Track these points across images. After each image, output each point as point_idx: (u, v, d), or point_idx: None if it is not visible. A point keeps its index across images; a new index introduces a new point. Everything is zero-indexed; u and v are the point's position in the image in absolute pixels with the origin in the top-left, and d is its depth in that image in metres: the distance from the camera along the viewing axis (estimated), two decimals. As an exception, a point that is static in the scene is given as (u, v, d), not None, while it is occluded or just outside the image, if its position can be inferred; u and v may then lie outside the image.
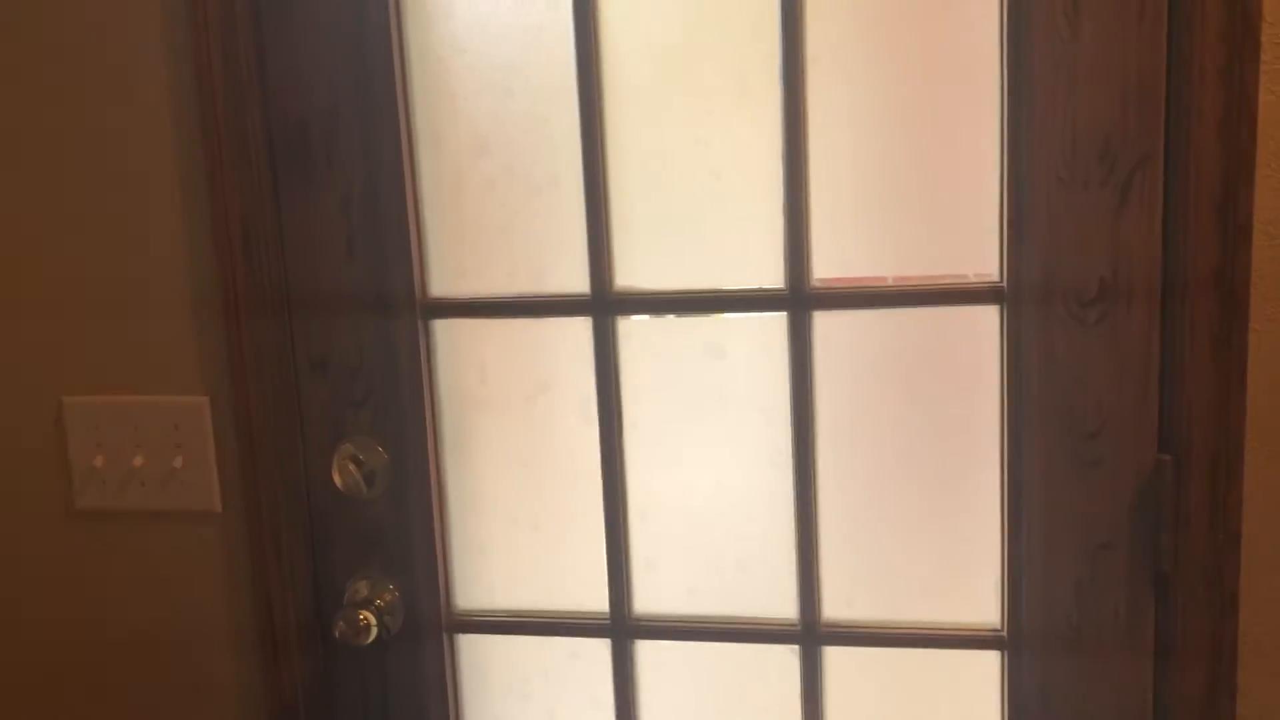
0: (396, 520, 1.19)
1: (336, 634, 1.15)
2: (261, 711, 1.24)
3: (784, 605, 1.15)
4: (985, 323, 1.07)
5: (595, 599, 1.19)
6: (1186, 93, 0.97)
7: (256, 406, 1.17)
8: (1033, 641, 1.08)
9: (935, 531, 1.12)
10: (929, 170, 1.06)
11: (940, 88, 1.05)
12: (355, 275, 1.15)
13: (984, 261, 1.06)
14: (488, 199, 1.15)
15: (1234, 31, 0.95)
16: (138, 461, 1.21)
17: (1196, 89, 0.97)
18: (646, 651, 1.20)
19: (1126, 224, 1.00)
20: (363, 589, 1.19)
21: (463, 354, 1.18)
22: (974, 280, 1.07)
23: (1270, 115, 0.96)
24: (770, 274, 1.10)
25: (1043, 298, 1.03)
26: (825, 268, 1.09)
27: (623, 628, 1.18)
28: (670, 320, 1.13)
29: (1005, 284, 1.04)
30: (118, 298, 1.19)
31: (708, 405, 1.14)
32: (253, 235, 1.15)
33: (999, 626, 1.11)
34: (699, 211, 1.10)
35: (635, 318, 1.13)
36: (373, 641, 1.17)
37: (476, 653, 1.24)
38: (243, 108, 1.13)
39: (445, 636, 1.21)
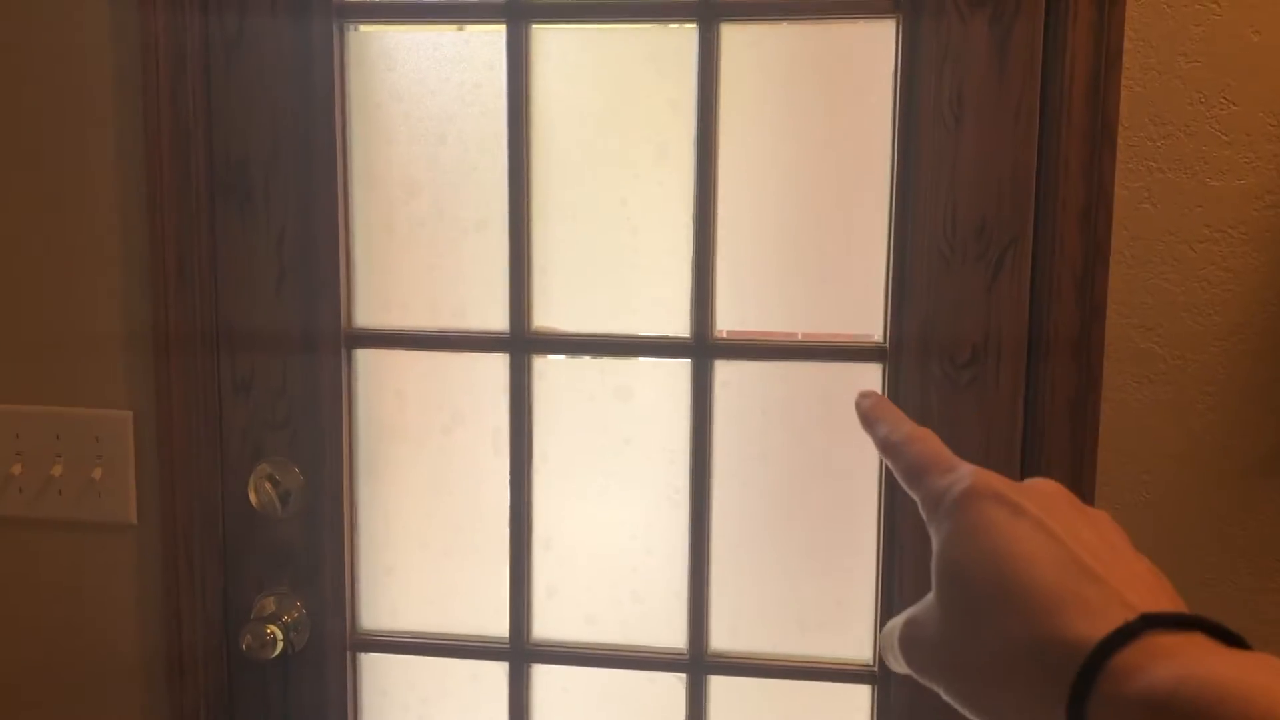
0: (308, 540, 1.24)
1: (243, 646, 1.19)
2: (163, 721, 1.27)
3: (674, 635, 1.23)
4: (869, 378, 1.16)
5: (497, 624, 1.25)
6: (1053, 183, 1.09)
7: (179, 423, 1.22)
8: (901, 677, 1.16)
9: (817, 570, 1.21)
10: (824, 237, 1.17)
11: (838, 165, 1.16)
12: (284, 305, 1.21)
13: (869, 323, 1.16)
14: (417, 238, 1.22)
15: (1095, 132, 1.08)
16: (56, 471, 1.24)
17: (1062, 180, 1.09)
18: (543, 676, 1.26)
19: (998, 296, 1.11)
20: (270, 604, 1.24)
21: (382, 383, 1.24)
22: (860, 339, 1.17)
23: (1125, 207, 1.08)
24: (677, 323, 1.18)
25: (921, 358, 1.13)
26: (728, 320, 1.18)
27: (521, 652, 1.24)
28: (583, 361, 1.21)
29: (888, 344, 1.14)
30: (49, 311, 1.23)
31: (614, 444, 1.22)
32: (187, 263, 1.20)
33: (871, 662, 1.20)
34: (616, 262, 1.19)
35: (550, 357, 1.21)
36: (277, 656, 1.21)
37: (378, 672, 1.28)
38: (186, 144, 1.18)
39: (349, 654, 1.26)
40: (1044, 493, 0.44)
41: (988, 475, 0.45)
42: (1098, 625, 0.37)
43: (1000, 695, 0.40)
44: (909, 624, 0.46)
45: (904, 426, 0.50)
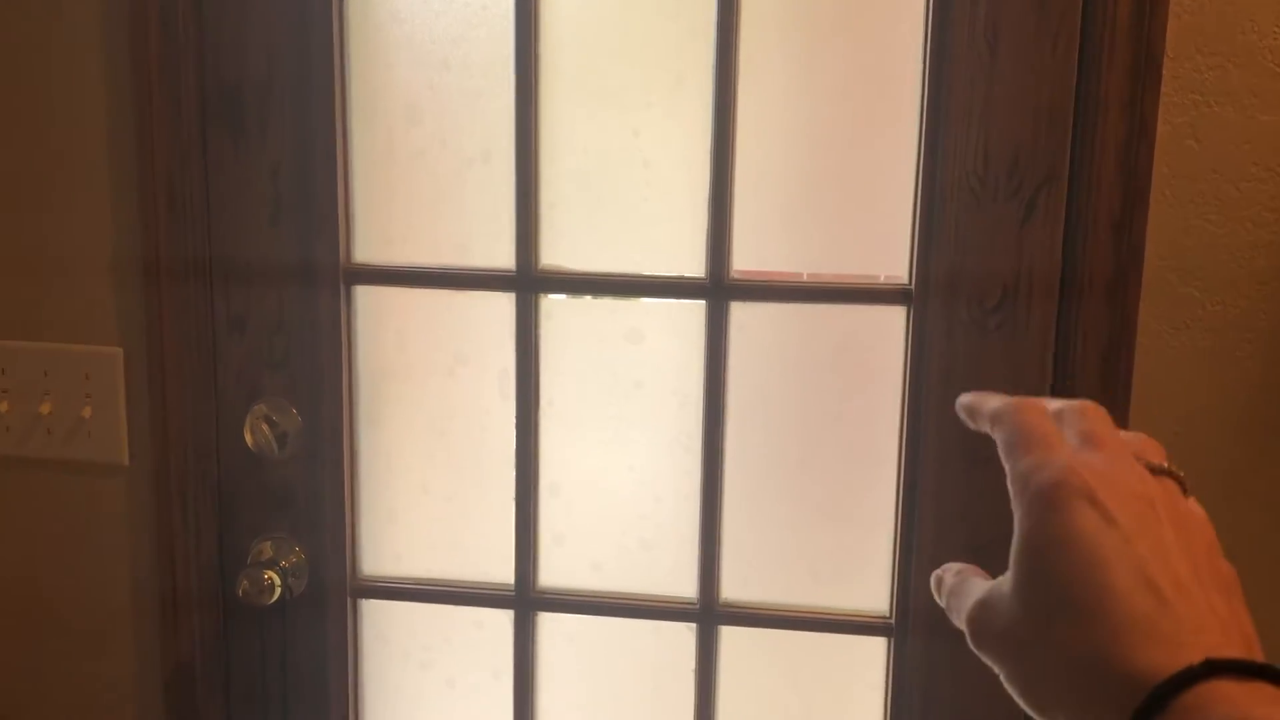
0: (306, 483, 1.19)
1: (240, 593, 1.16)
2: (158, 669, 1.23)
3: (684, 584, 1.19)
4: (892, 322, 1.11)
5: (502, 570, 1.21)
6: (1092, 118, 1.03)
7: (171, 361, 1.17)
8: (919, 630, 1.13)
9: (833, 519, 1.16)
10: (848, 173, 1.11)
11: (864, 96, 1.10)
12: (279, 238, 1.15)
13: (894, 264, 1.11)
14: (418, 169, 1.16)
15: (1138, 64, 1.01)
16: (44, 409, 1.20)
17: (1101, 114, 1.03)
18: (549, 624, 1.22)
19: (1030, 237, 1.06)
20: (268, 549, 1.20)
21: (383, 322, 1.19)
22: (884, 281, 1.11)
23: (1167, 143, 1.03)
24: (692, 263, 1.13)
25: (947, 301, 1.08)
26: (744, 260, 1.13)
27: (527, 600, 1.21)
28: (592, 301, 1.16)
29: (913, 286, 1.09)
30: (35, 243, 1.18)
31: (624, 387, 1.17)
32: (178, 194, 1.14)
33: (888, 614, 1.16)
34: (627, 197, 1.13)
35: (558, 297, 1.16)
36: (275, 602, 1.17)
37: (379, 619, 1.25)
38: (177, 68, 1.12)
39: (349, 601, 1.22)
40: (1137, 494, 0.43)
41: (1083, 467, 0.43)
42: (1164, 663, 0.38)
43: (1059, 701, 0.41)
44: (981, 607, 0.46)
45: (1011, 398, 0.49)
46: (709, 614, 1.19)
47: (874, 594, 1.17)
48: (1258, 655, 0.40)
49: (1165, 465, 0.46)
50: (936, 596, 0.52)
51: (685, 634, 1.20)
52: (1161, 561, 0.41)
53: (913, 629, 1.13)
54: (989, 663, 0.45)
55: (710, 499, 1.16)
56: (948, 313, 1.08)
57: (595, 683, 1.24)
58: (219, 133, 1.14)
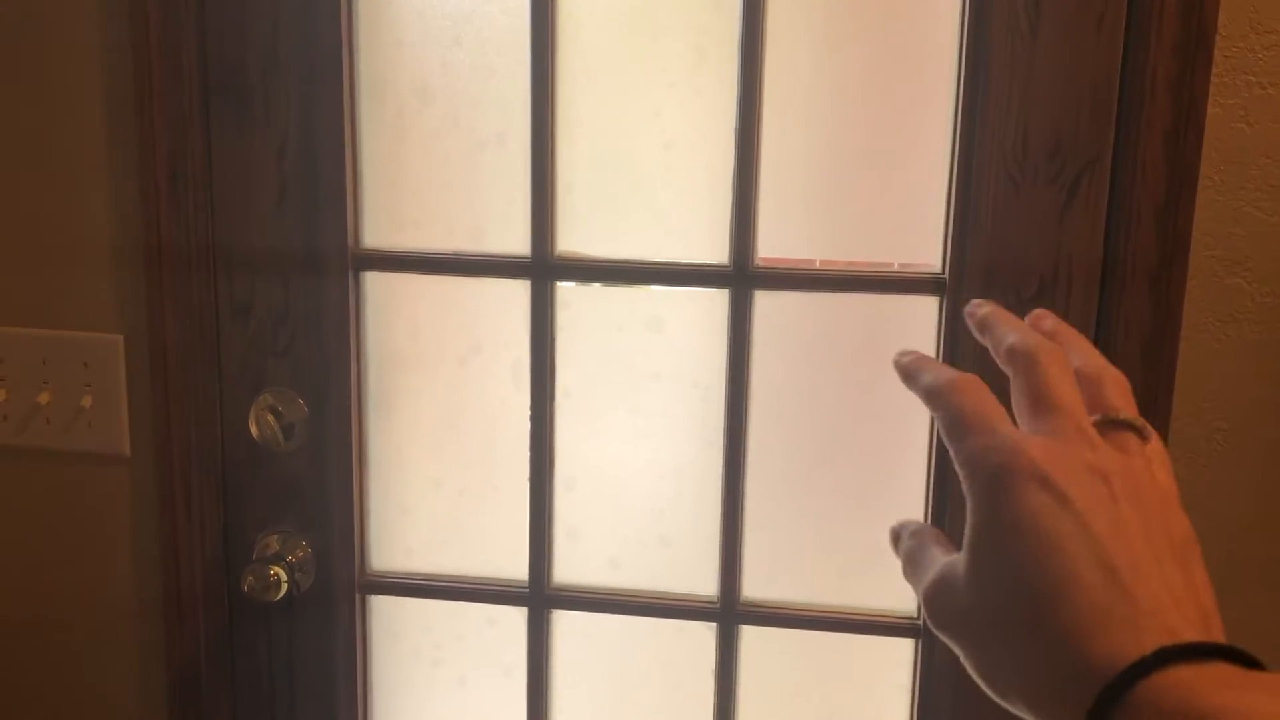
0: (313, 476, 1.15)
1: (245, 588, 1.12)
2: (162, 667, 1.20)
3: (704, 582, 1.15)
4: (924, 312, 1.07)
5: (515, 566, 1.17)
6: (1138, 101, 0.98)
7: (173, 349, 1.13)
8: (947, 630, 1.09)
9: (860, 516, 1.12)
10: (880, 157, 1.06)
11: (897, 77, 1.05)
12: (285, 221, 1.11)
13: (927, 252, 1.06)
14: (430, 151, 1.11)
15: (1188, 44, 0.96)
16: (43, 398, 1.15)
17: (1148, 97, 0.98)
18: (563, 621, 1.19)
19: (1070, 224, 1.01)
20: (274, 544, 1.16)
21: (393, 309, 1.15)
22: (917, 270, 1.07)
23: (1217, 127, 0.98)
24: (715, 250, 1.08)
25: (983, 291, 1.03)
26: (769, 247, 1.08)
27: (541, 597, 1.17)
28: (610, 289, 1.11)
29: (947, 275, 1.05)
30: (32, 227, 1.13)
31: (643, 378, 1.13)
32: (180, 174, 1.10)
33: (916, 615, 1.12)
34: (648, 181, 1.08)
35: (575, 284, 1.11)
36: (281, 598, 1.13)
37: (389, 615, 1.21)
38: (178, 41, 1.07)
39: (358, 597, 1.18)
40: (1089, 467, 0.42)
41: (1032, 449, 0.42)
42: (1119, 651, 0.37)
43: (1017, 690, 0.41)
44: (938, 584, 0.45)
45: (947, 373, 0.47)
46: (730, 613, 1.15)
47: (902, 594, 1.13)
48: (1216, 629, 0.40)
49: (1120, 416, 0.46)
50: (894, 550, 0.51)
51: (705, 633, 1.16)
52: (1117, 541, 0.40)
53: (942, 630, 1.09)
54: (947, 642, 0.45)
55: (732, 494, 1.12)
56: (983, 303, 1.03)
57: (611, 682, 1.20)
58: (222, 112, 1.10)
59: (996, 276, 1.03)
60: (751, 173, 1.06)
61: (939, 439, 1.06)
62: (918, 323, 1.07)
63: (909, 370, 0.50)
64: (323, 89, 1.08)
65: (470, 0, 1.08)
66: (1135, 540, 0.40)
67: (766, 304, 1.09)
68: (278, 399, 1.13)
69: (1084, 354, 0.50)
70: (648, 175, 1.09)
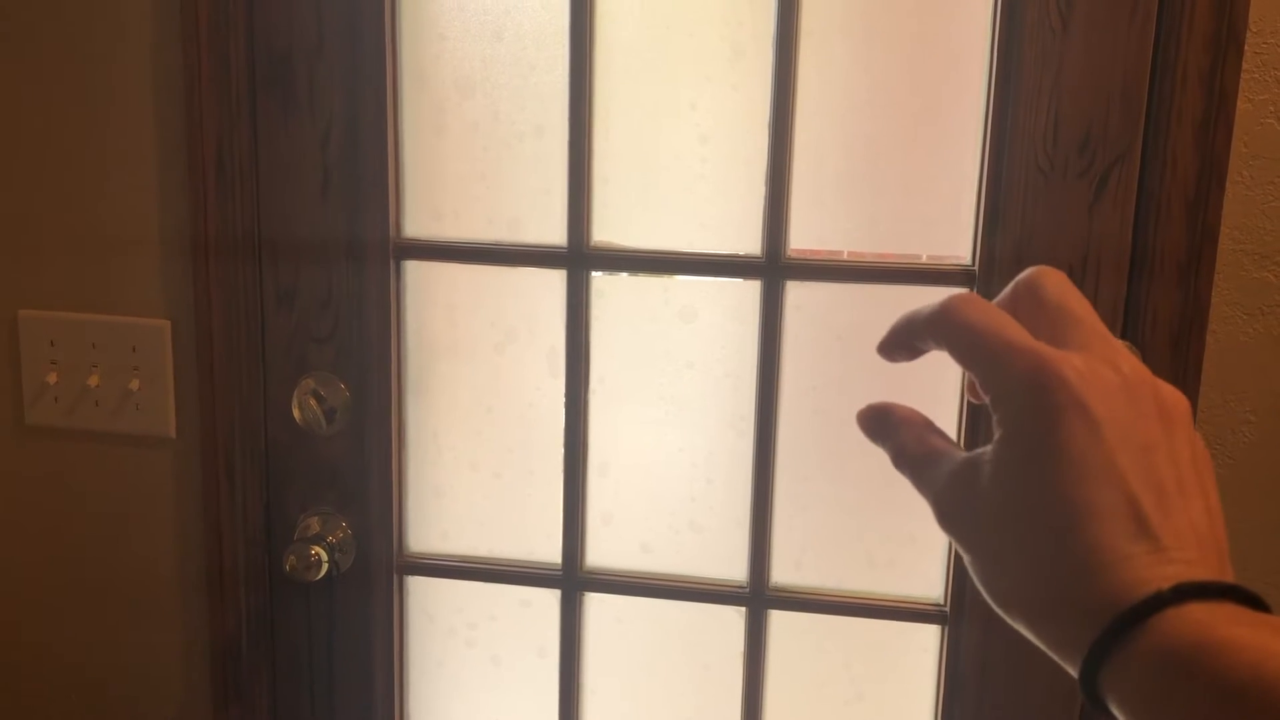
0: (353, 458, 1.18)
1: (287, 567, 1.15)
2: (205, 643, 1.23)
3: (734, 567, 1.17)
4: (954, 304, 1.08)
5: (548, 549, 1.20)
6: (1168, 94, 0.99)
7: (219, 334, 1.16)
8: (974, 618, 1.11)
9: (888, 504, 1.14)
10: (911, 149, 1.08)
11: (929, 69, 1.06)
12: (329, 210, 1.14)
13: (957, 244, 1.08)
14: (470, 142, 1.14)
15: (1220, 38, 0.97)
16: (93, 381, 1.19)
17: (1178, 91, 0.99)
18: (596, 604, 1.21)
19: (1100, 216, 1.03)
20: (314, 525, 1.19)
21: (433, 297, 1.17)
22: (947, 261, 1.08)
23: (1247, 121, 0.99)
24: (748, 241, 1.10)
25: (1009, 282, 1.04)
26: (801, 238, 1.10)
27: (574, 579, 1.19)
28: (645, 279, 1.14)
29: (977, 266, 1.06)
30: (83, 215, 1.17)
31: (676, 367, 1.15)
32: (227, 162, 1.13)
33: (942, 601, 1.14)
34: (683, 173, 1.11)
35: (610, 274, 1.14)
36: (322, 578, 1.16)
37: (425, 596, 1.24)
38: (226, 32, 1.10)
39: (395, 577, 1.21)
40: (1119, 388, 0.41)
41: (1065, 369, 0.41)
42: (1137, 585, 0.38)
43: (1022, 605, 0.41)
44: (954, 484, 0.45)
45: (940, 301, 0.46)
46: (759, 597, 1.17)
47: (929, 581, 1.14)
48: (1226, 566, 0.40)
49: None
50: (872, 437, 0.51)
51: (734, 618, 1.18)
52: (1146, 471, 0.40)
53: (968, 617, 1.11)
54: (953, 541, 0.45)
55: (762, 482, 1.14)
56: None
57: (641, 664, 1.22)
58: (268, 103, 1.13)
59: (1026, 267, 1.04)
60: (784, 165, 1.08)
61: (970, 430, 1.08)
62: (947, 313, 1.09)
63: (899, 329, 0.48)
64: (366, 81, 1.10)
65: (510, -5, 1.10)
66: (1162, 467, 0.40)
67: (798, 294, 1.11)
68: (320, 383, 1.16)
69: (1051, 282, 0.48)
70: (683, 167, 1.11)
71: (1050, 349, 0.42)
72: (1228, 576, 0.39)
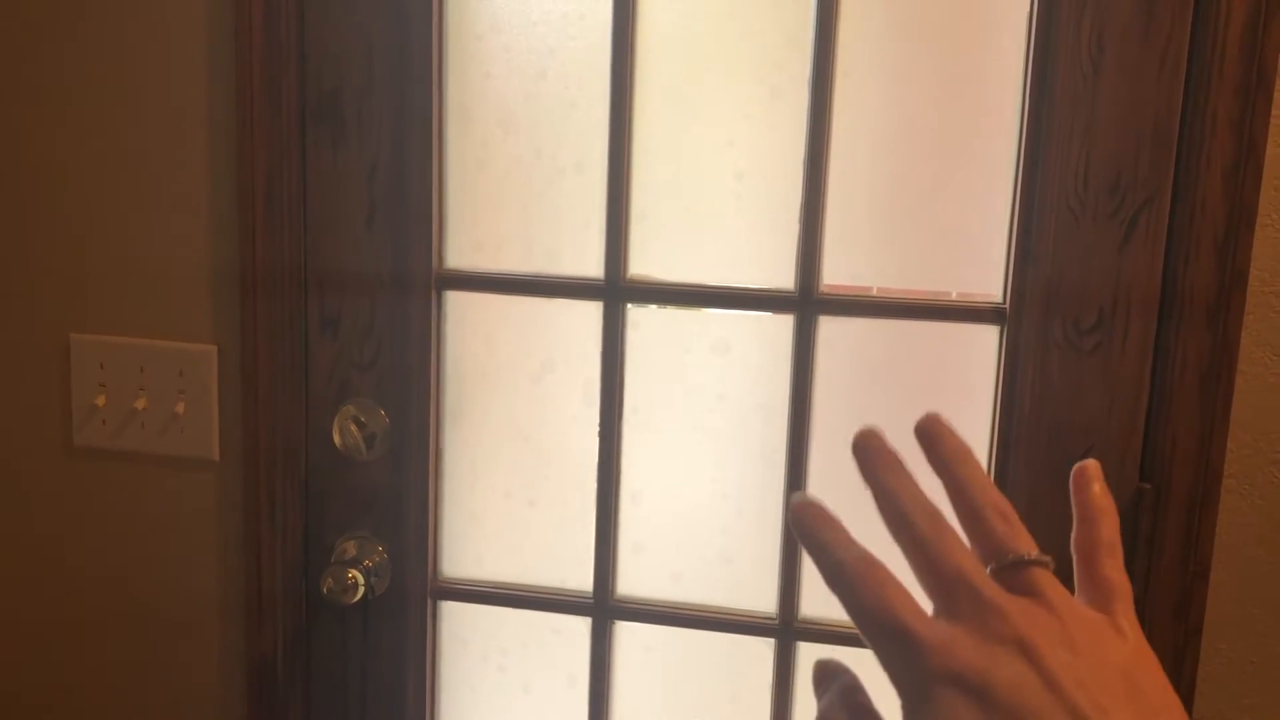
0: (391, 484, 1.21)
1: (324, 589, 1.17)
2: (242, 662, 1.25)
3: (764, 599, 1.18)
4: (984, 341, 1.10)
5: (580, 577, 1.22)
6: (1198, 138, 1.01)
7: (264, 359, 1.19)
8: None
9: (918, 539, 1.15)
10: (944, 189, 1.10)
11: (962, 111, 1.09)
12: (374, 241, 1.17)
13: (988, 282, 1.10)
14: (511, 177, 1.17)
15: (1248, 84, 0.99)
16: (140, 404, 1.22)
17: (1208, 135, 1.01)
18: (626, 633, 1.22)
19: (1130, 257, 1.04)
20: (351, 548, 1.21)
21: (472, 327, 1.20)
22: (978, 299, 1.10)
23: (1276, 165, 1.00)
24: (781, 276, 1.13)
25: (1042, 321, 1.06)
26: (834, 274, 1.12)
27: (605, 608, 1.21)
28: (679, 312, 1.16)
29: (1007, 305, 1.08)
30: (135, 241, 1.21)
31: (708, 399, 1.17)
32: (275, 196, 1.16)
33: (970, 636, 1.14)
34: (719, 209, 1.13)
35: (646, 307, 1.16)
36: (358, 601, 1.18)
37: (458, 621, 1.26)
38: (279, 70, 1.14)
39: (429, 602, 1.23)
40: (1004, 640, 0.39)
41: (939, 649, 0.39)
42: None
43: None
44: None
45: (855, 548, 0.44)
46: (788, 630, 1.18)
47: (957, 616, 1.15)
48: None
49: (1021, 555, 0.42)
50: (814, 687, 0.49)
51: (763, 649, 1.19)
52: (1052, 713, 0.38)
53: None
54: None
55: (793, 514, 1.15)
56: (1042, 333, 1.06)
57: (670, 694, 1.23)
58: (318, 136, 1.16)
59: (1056, 307, 1.06)
60: (819, 202, 1.10)
61: (1000, 467, 1.09)
62: (978, 351, 1.10)
63: (806, 527, 0.45)
64: (413, 117, 1.14)
65: (554, 35, 1.14)
66: (1074, 695, 0.38)
67: (830, 329, 1.13)
68: (361, 410, 1.19)
69: (967, 480, 0.46)
70: (719, 203, 1.13)
71: (926, 628, 0.41)
72: None
